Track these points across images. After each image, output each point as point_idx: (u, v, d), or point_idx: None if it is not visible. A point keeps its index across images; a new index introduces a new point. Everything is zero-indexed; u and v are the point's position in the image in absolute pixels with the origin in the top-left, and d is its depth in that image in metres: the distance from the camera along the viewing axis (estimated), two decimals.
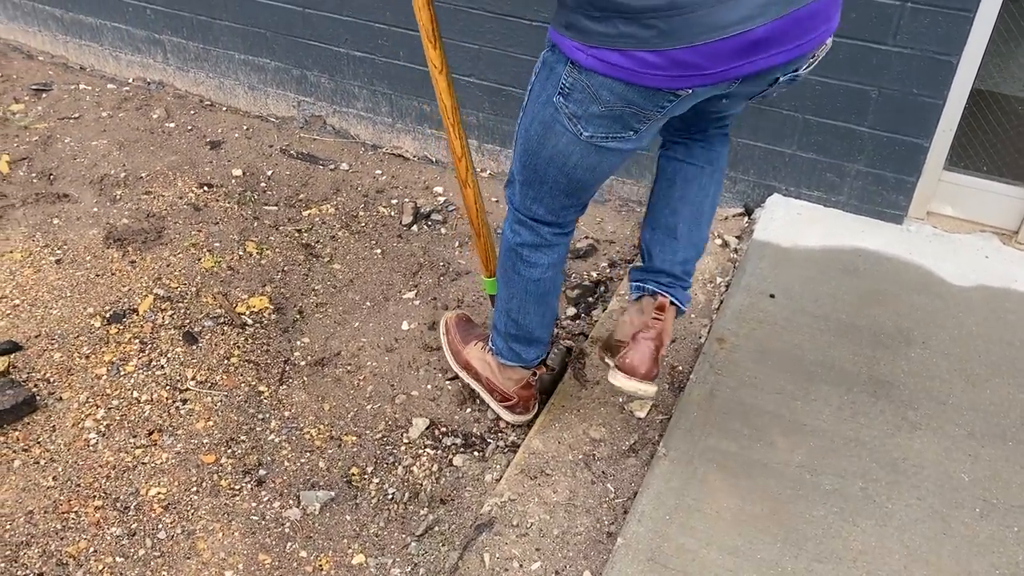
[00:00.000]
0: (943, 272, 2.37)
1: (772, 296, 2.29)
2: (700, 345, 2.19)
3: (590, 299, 2.49)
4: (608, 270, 2.59)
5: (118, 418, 2.10)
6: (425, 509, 1.92)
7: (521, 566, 1.70)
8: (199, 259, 2.60)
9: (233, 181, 2.97)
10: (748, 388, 2.03)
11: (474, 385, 2.11)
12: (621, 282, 2.46)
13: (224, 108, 3.41)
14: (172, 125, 3.28)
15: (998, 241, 2.47)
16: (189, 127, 3.27)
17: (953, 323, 2.20)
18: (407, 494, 1.95)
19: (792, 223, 2.55)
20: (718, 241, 2.59)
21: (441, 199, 2.93)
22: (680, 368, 2.14)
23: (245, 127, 3.28)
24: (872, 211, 2.55)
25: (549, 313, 1.87)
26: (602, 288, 2.52)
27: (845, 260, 2.43)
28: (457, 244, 2.72)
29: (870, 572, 1.63)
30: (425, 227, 2.80)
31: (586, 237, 2.72)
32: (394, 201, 2.91)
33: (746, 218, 2.69)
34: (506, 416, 2.07)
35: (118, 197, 2.85)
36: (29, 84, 3.52)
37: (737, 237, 2.61)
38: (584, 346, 2.23)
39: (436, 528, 1.88)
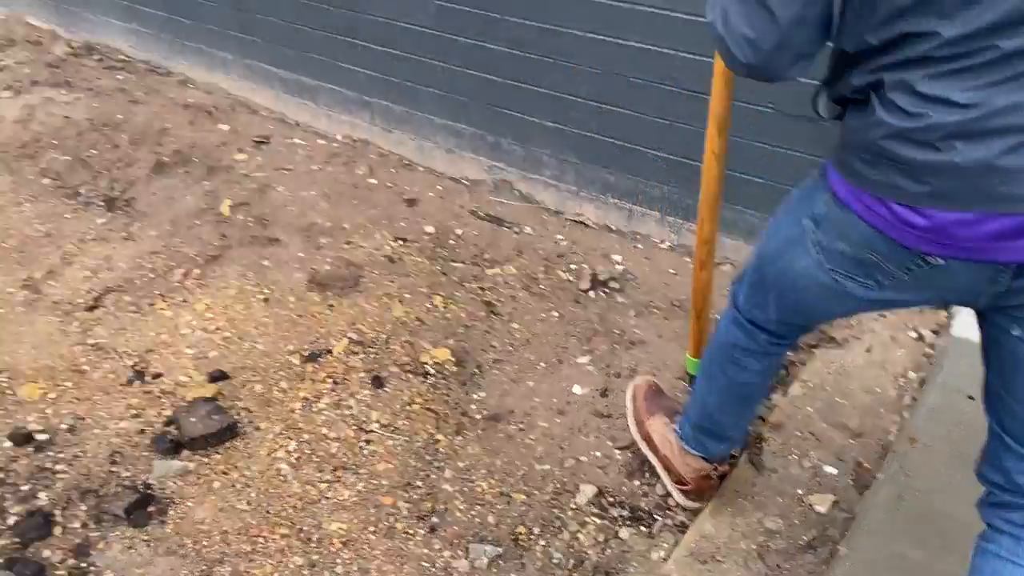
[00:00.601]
0: None
1: (971, 398, 2.15)
2: (888, 443, 2.08)
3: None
4: (790, 353, 2.52)
5: (308, 452, 2.25)
6: None
7: None
8: (390, 308, 2.76)
9: (425, 237, 3.14)
10: (940, 494, 1.91)
11: (651, 458, 2.10)
12: (804, 367, 2.39)
13: (422, 168, 3.62)
14: (374, 181, 3.52)
15: None
16: (389, 184, 3.50)
17: None
18: (572, 561, 1.96)
19: None
20: (912, 334, 2.47)
21: (619, 267, 2.97)
22: (866, 465, 2.05)
23: (439, 187, 3.48)
24: None
25: (748, 415, 1.83)
26: (783, 371, 2.45)
27: None
28: (633, 313, 2.74)
29: None
30: (602, 294, 2.84)
31: None
32: (573, 266, 2.98)
33: (945, 311, 2.55)
34: (679, 498, 2.04)
35: (322, 245, 3.08)
36: (251, 136, 3.89)
37: (933, 331, 2.48)
38: (763, 431, 2.17)
39: None
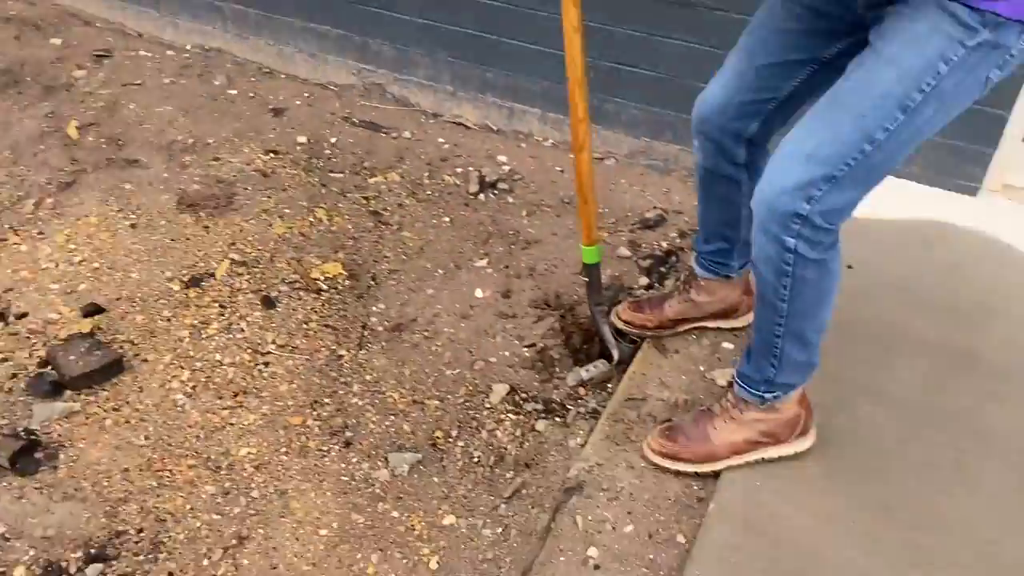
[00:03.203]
0: (1021, 244, 2.35)
1: (849, 267, 2.28)
2: None
3: (662, 269, 2.49)
4: (678, 240, 2.59)
5: (203, 380, 2.14)
6: (511, 472, 1.94)
7: (614, 528, 1.73)
8: (271, 225, 2.62)
9: (298, 148, 2.98)
10: (830, 357, 2.02)
11: (751, 458, 1.79)
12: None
13: (283, 75, 3.41)
14: (234, 92, 3.29)
15: None
16: (251, 94, 3.28)
17: None
18: (492, 457, 1.98)
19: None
20: None
21: (506, 168, 2.93)
22: None
23: (306, 94, 3.29)
24: (947, 183, 2.53)
25: None
26: (674, 258, 2.52)
27: (921, 232, 2.41)
28: (525, 213, 2.72)
29: (966, 541, 1.64)
30: (491, 196, 2.81)
31: (655, 207, 2.72)
32: (459, 169, 2.92)
33: None
34: (806, 444, 1.81)
35: (187, 163, 2.87)
36: (89, 51, 3.54)
37: None
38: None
39: (524, 491, 1.90)
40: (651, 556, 1.68)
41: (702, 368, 2.08)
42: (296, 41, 3.34)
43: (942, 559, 1.61)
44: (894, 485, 1.75)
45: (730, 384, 1.85)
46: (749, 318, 2.12)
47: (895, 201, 2.50)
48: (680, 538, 1.72)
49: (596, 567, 1.66)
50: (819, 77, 1.60)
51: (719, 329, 2.16)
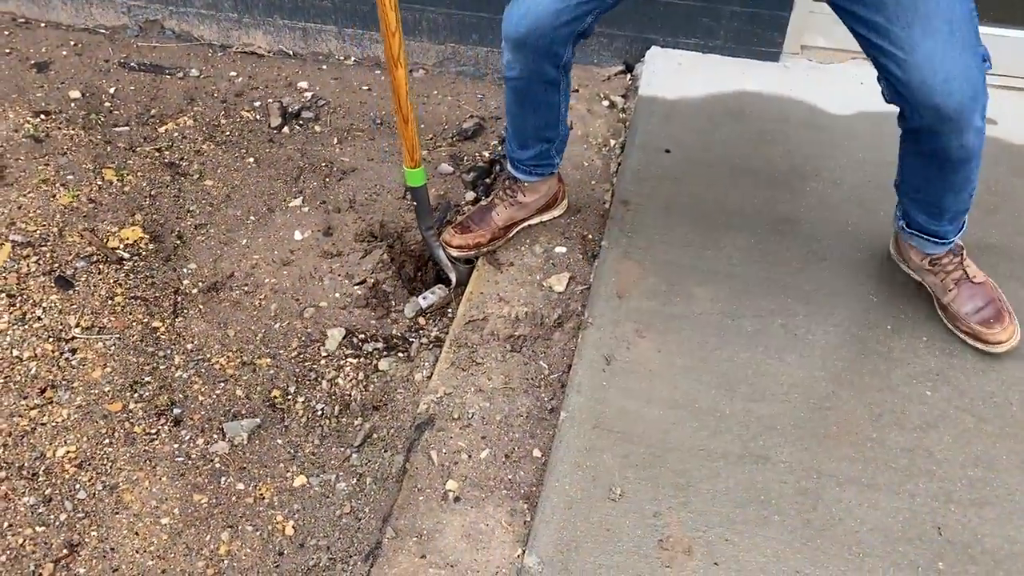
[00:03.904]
0: (824, 104, 2.41)
1: (667, 151, 2.28)
2: (606, 211, 2.16)
3: (487, 180, 2.41)
4: (500, 147, 2.51)
5: (1, 381, 1.92)
6: (359, 419, 1.86)
7: (470, 456, 1.69)
8: (54, 196, 2.34)
9: (72, 105, 2.67)
10: (659, 245, 2.04)
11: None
12: None
13: (43, 24, 3.02)
14: None
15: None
16: (7, 50, 2.89)
17: (841, 152, 2.26)
18: (337, 407, 1.88)
19: (674, 74, 2.52)
20: (605, 103, 2.54)
21: (308, 95, 2.73)
22: (590, 236, 2.12)
23: (72, 43, 2.93)
24: (750, 51, 2.55)
25: None
26: (497, 167, 2.44)
27: (731, 105, 2.43)
28: (336, 141, 2.56)
29: (802, 401, 1.70)
30: (297, 127, 2.62)
31: (472, 116, 2.62)
32: (257, 103, 2.70)
33: (628, 75, 2.64)
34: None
35: None
36: None
37: (623, 96, 2.56)
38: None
39: (375, 435, 1.83)
40: (510, 477, 1.66)
41: (539, 277, 2.04)
42: None
43: (783, 422, 1.67)
44: (730, 360, 1.78)
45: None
46: (565, 205, 2.12)
47: (701, 77, 2.50)
48: (536, 452, 1.70)
49: (456, 499, 1.62)
50: None
51: (542, 223, 2.13)
